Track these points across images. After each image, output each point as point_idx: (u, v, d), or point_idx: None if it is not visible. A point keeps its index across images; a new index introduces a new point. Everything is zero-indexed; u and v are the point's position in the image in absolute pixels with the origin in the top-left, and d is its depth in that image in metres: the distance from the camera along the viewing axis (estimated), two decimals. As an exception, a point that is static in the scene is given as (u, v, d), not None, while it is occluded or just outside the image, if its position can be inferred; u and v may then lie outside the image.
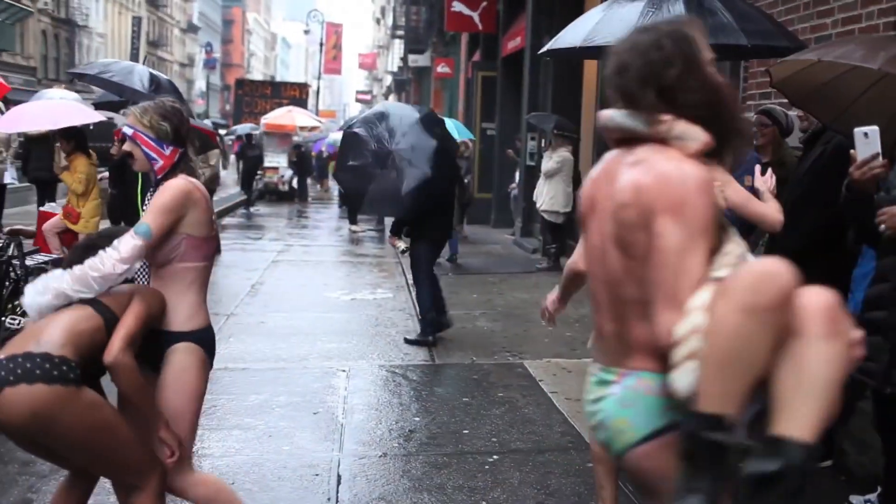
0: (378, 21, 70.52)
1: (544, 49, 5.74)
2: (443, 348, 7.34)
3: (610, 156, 2.28)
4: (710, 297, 1.97)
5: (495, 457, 4.83)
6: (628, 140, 2.21)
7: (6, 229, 7.78)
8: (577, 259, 3.08)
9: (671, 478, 2.04)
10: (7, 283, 6.72)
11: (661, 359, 2.07)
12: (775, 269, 1.94)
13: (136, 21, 56.34)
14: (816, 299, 1.94)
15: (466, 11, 17.66)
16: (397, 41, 44.22)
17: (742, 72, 6.75)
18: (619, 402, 2.17)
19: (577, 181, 11.14)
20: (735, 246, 2.17)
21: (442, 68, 25.93)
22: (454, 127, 14.81)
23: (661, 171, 2.07)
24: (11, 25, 34.87)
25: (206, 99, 63.93)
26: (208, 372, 3.18)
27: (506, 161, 16.01)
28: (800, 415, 1.91)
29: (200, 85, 75.14)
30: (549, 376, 6.47)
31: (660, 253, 2.04)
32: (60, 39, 46.79)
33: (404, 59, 40.00)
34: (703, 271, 2.04)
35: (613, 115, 2.23)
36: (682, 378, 1.99)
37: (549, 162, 11.41)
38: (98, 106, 12.08)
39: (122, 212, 8.30)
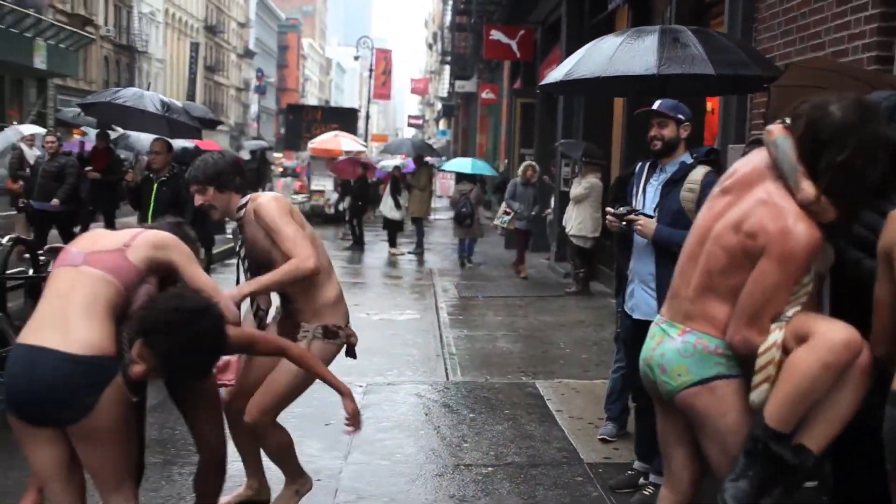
0: (430, 47, 71.38)
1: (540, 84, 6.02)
2: (459, 367, 7.60)
3: (759, 159, 2.80)
4: (787, 338, 2.62)
5: (489, 469, 5.09)
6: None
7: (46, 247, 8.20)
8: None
9: (714, 416, 2.78)
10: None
11: (720, 330, 2.78)
12: (853, 337, 2.56)
13: (194, 47, 57.96)
14: (863, 360, 2.58)
15: (505, 40, 18.02)
16: (447, 67, 44.83)
17: (748, 102, 6.95)
18: (680, 352, 2.86)
19: (605, 207, 11.24)
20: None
21: (486, 94, 26.39)
22: (469, 164, 15.42)
23: (785, 226, 2.63)
24: (75, 52, 36.21)
25: (258, 122, 65.27)
26: None
27: (544, 186, 16.23)
28: (817, 433, 2.63)
29: (256, 109, 76.77)
30: (557, 395, 6.69)
31: (758, 282, 2.68)
32: (122, 65, 48.40)
33: (452, 85, 40.54)
34: (783, 306, 2.69)
35: (785, 157, 2.69)
36: (758, 395, 2.66)
37: (577, 188, 11.61)
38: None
39: None
